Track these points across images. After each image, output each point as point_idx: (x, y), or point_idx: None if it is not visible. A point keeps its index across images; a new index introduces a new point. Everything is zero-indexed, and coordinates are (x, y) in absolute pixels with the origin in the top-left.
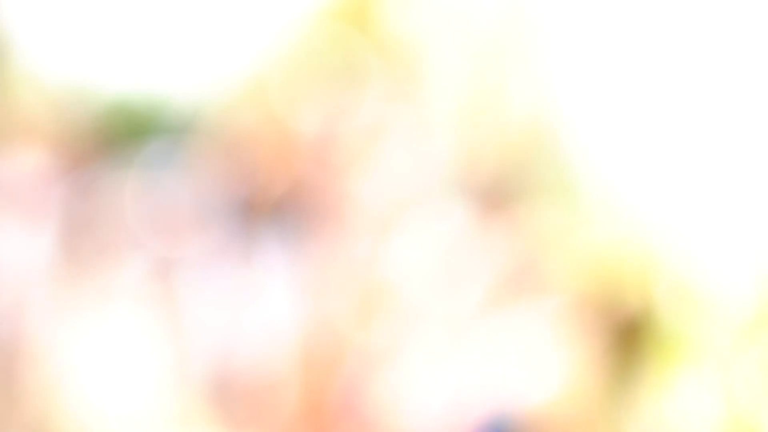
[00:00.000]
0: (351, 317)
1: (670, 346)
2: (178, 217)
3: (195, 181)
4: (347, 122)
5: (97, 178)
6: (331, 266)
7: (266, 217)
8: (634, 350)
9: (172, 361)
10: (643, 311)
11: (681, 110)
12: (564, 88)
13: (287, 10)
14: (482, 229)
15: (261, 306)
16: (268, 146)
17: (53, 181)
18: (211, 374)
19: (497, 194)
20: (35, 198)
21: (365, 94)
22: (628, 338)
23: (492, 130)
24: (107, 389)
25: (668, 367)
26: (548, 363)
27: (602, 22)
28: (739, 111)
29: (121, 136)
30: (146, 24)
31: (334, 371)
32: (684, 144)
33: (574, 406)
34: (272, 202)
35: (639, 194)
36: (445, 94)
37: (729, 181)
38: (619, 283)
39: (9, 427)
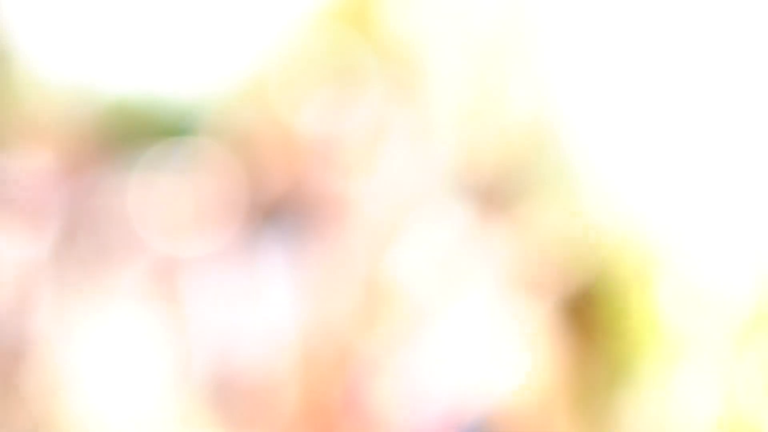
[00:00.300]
0: (352, 318)
1: (667, 344)
2: (180, 218)
3: (197, 181)
4: (348, 123)
5: (100, 178)
6: (332, 266)
7: (268, 218)
8: (627, 347)
9: (173, 361)
10: (638, 308)
11: (680, 109)
12: (564, 88)
13: (287, 11)
14: (482, 228)
15: (263, 306)
16: (270, 146)
17: (57, 181)
18: (212, 374)
19: (497, 194)
20: (39, 199)
21: (366, 94)
22: (623, 336)
23: (492, 130)
24: (109, 389)
25: (665, 365)
26: (534, 359)
27: (602, 22)
28: (739, 111)
29: (124, 137)
30: (147, 25)
31: (336, 372)
32: (683, 143)
33: (558, 402)
34: (274, 203)
35: (638, 193)
36: (445, 94)
37: (728, 180)
38: (617, 280)
39: (12, 426)
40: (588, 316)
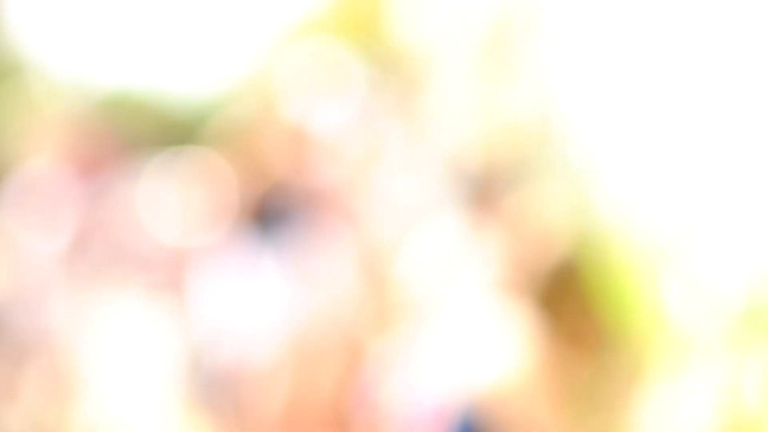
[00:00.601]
0: (357, 314)
1: (665, 339)
2: (184, 214)
3: (200, 179)
4: (349, 121)
5: (111, 179)
6: (335, 263)
7: (270, 215)
8: (622, 341)
9: (178, 353)
10: (635, 302)
11: (679, 107)
12: (563, 84)
13: (290, 11)
14: (478, 226)
15: (266, 301)
16: (272, 144)
17: (70, 182)
18: (213, 368)
19: (495, 187)
20: (53, 199)
21: (366, 94)
22: (618, 330)
23: (490, 125)
24: (116, 380)
25: (662, 360)
26: (526, 354)
27: (602, 21)
28: (739, 109)
29: (131, 135)
30: (154, 26)
31: (340, 367)
32: (682, 140)
33: (550, 396)
34: (276, 200)
35: (637, 188)
36: (445, 92)
37: (727, 179)
38: (612, 274)
39: (24, 416)
40: (581, 309)
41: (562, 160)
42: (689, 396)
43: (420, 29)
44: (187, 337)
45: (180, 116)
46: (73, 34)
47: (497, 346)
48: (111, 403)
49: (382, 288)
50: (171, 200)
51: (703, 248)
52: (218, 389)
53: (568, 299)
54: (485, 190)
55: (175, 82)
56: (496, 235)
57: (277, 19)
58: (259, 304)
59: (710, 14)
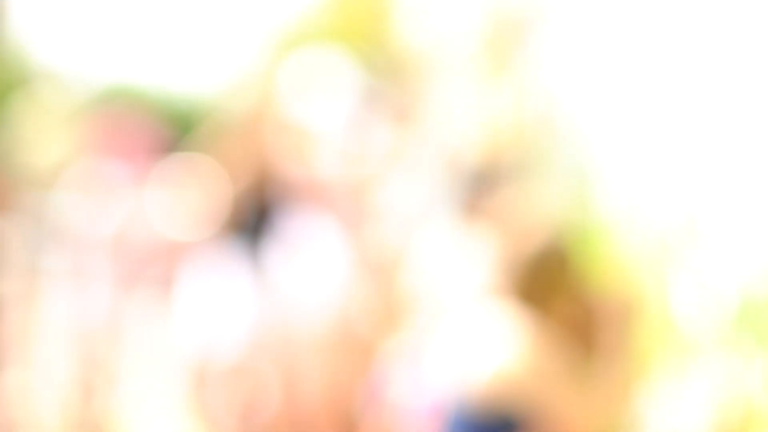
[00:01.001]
0: (362, 314)
1: (664, 340)
2: (182, 211)
3: (199, 177)
4: (351, 123)
5: (145, 167)
6: (334, 263)
7: (269, 214)
8: (621, 336)
9: (176, 354)
10: (630, 303)
11: (679, 106)
12: (563, 85)
13: (292, 13)
14: (479, 224)
15: (262, 301)
16: (273, 145)
17: (114, 173)
18: (209, 367)
19: (496, 188)
20: (102, 190)
21: (369, 95)
22: (618, 325)
23: (491, 127)
24: (134, 375)
25: (661, 361)
26: (524, 350)
27: (602, 20)
28: (739, 109)
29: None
30: (157, 26)
31: (347, 368)
32: (681, 140)
33: (549, 392)
34: (275, 199)
35: (637, 188)
36: (447, 93)
37: (727, 178)
38: (611, 274)
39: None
40: (580, 306)
41: (562, 159)
42: (689, 395)
43: (420, 29)
44: (185, 336)
45: (178, 114)
46: (75, 33)
47: (497, 343)
48: (129, 396)
49: (386, 287)
50: (169, 197)
51: (703, 247)
52: (215, 388)
53: (566, 296)
54: (485, 190)
55: (174, 80)
56: (496, 234)
57: (276, 19)
58: (255, 302)
59: (710, 14)
